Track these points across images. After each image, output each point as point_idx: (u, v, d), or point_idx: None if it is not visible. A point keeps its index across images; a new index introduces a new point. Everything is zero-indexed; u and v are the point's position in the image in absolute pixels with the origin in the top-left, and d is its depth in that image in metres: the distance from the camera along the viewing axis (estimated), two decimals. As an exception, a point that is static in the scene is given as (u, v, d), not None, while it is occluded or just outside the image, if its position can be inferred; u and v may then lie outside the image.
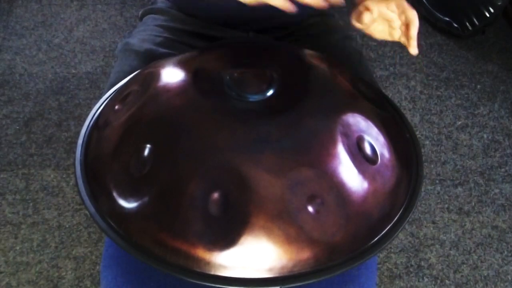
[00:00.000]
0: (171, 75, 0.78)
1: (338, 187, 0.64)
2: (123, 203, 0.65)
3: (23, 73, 1.83)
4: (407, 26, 0.77)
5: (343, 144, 0.66)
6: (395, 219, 0.67)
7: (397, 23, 0.78)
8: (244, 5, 0.77)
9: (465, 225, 1.46)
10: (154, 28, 1.00)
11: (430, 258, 1.39)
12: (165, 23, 1.00)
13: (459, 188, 1.54)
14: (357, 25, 0.79)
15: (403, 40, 0.79)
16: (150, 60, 0.91)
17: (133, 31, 1.04)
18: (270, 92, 0.71)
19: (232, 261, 0.60)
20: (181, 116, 0.70)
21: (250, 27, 0.98)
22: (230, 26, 0.98)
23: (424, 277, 1.35)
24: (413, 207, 0.68)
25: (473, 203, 1.51)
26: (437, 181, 1.56)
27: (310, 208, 0.61)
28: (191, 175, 0.63)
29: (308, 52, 0.86)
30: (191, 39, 0.98)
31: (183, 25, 0.99)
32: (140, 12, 1.08)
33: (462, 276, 1.36)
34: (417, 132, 1.67)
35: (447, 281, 1.35)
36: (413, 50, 0.78)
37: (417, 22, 0.77)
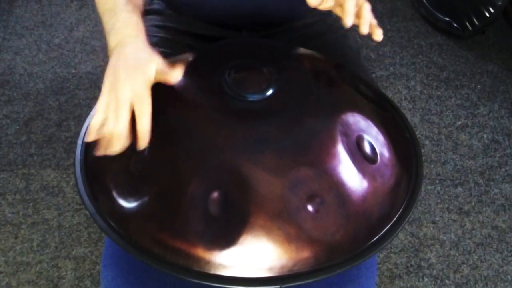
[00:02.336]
0: (171, 75, 0.78)
1: (338, 187, 0.64)
2: (123, 203, 0.65)
3: (23, 73, 1.83)
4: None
5: (343, 144, 0.66)
6: (395, 218, 0.67)
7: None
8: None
9: (465, 225, 1.46)
10: (149, 28, 1.00)
11: (430, 258, 1.39)
12: (160, 23, 1.00)
13: (459, 188, 1.54)
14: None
15: (357, 22, 0.70)
16: None
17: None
18: (270, 92, 0.71)
19: (232, 260, 0.60)
20: (181, 116, 0.70)
21: (242, 25, 0.99)
22: (222, 24, 0.98)
23: (424, 277, 1.35)
24: (413, 207, 0.68)
25: (473, 203, 1.51)
26: (437, 181, 1.56)
27: (310, 208, 0.62)
28: (191, 175, 0.63)
29: (307, 51, 0.86)
30: (186, 38, 0.99)
31: (177, 25, 1.00)
32: None
33: (462, 276, 1.36)
34: (417, 132, 1.67)
35: (447, 281, 1.35)
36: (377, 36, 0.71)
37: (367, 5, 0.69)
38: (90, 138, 0.65)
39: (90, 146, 0.74)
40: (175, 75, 0.71)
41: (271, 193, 0.61)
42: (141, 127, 0.64)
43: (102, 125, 0.64)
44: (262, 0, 0.94)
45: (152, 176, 0.65)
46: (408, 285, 1.34)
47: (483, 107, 1.77)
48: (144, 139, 0.64)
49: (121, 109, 0.63)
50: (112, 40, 0.70)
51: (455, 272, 1.36)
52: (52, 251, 1.37)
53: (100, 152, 0.64)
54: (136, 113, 0.64)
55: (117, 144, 0.63)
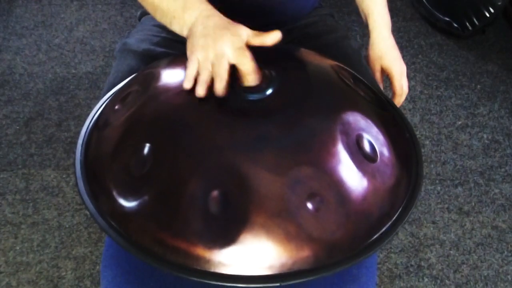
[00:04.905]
0: (171, 74, 0.78)
1: (337, 186, 0.64)
2: (123, 202, 0.65)
3: (23, 73, 1.83)
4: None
5: (343, 143, 0.66)
6: (395, 217, 0.67)
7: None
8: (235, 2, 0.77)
9: (465, 225, 1.46)
10: (151, 28, 1.00)
11: (430, 258, 1.39)
12: None
13: (459, 188, 1.54)
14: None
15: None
16: (148, 60, 0.91)
17: (132, 32, 1.04)
18: (270, 91, 0.71)
19: (232, 259, 0.60)
20: (181, 115, 0.70)
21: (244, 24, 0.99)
22: None
23: (424, 277, 1.35)
24: (412, 206, 0.68)
25: (473, 203, 1.51)
26: (437, 181, 1.56)
27: (310, 206, 0.62)
28: (191, 174, 0.63)
29: (307, 51, 0.86)
30: None
31: None
32: (139, 13, 1.08)
33: (462, 276, 1.36)
34: (417, 132, 1.67)
35: (447, 281, 1.35)
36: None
37: (400, 95, 0.96)
38: (188, 84, 0.71)
39: (90, 146, 0.74)
40: (273, 36, 0.73)
41: (271, 192, 0.61)
42: (247, 68, 0.70)
43: (197, 75, 0.71)
44: (264, 2, 0.94)
45: (152, 175, 0.65)
46: (408, 285, 1.34)
47: (483, 107, 1.77)
48: (252, 74, 0.70)
49: (220, 60, 0.70)
50: (189, 15, 0.76)
51: (455, 272, 1.36)
52: (52, 251, 1.37)
53: (201, 92, 0.70)
54: (238, 62, 0.70)
55: (219, 84, 0.70)
